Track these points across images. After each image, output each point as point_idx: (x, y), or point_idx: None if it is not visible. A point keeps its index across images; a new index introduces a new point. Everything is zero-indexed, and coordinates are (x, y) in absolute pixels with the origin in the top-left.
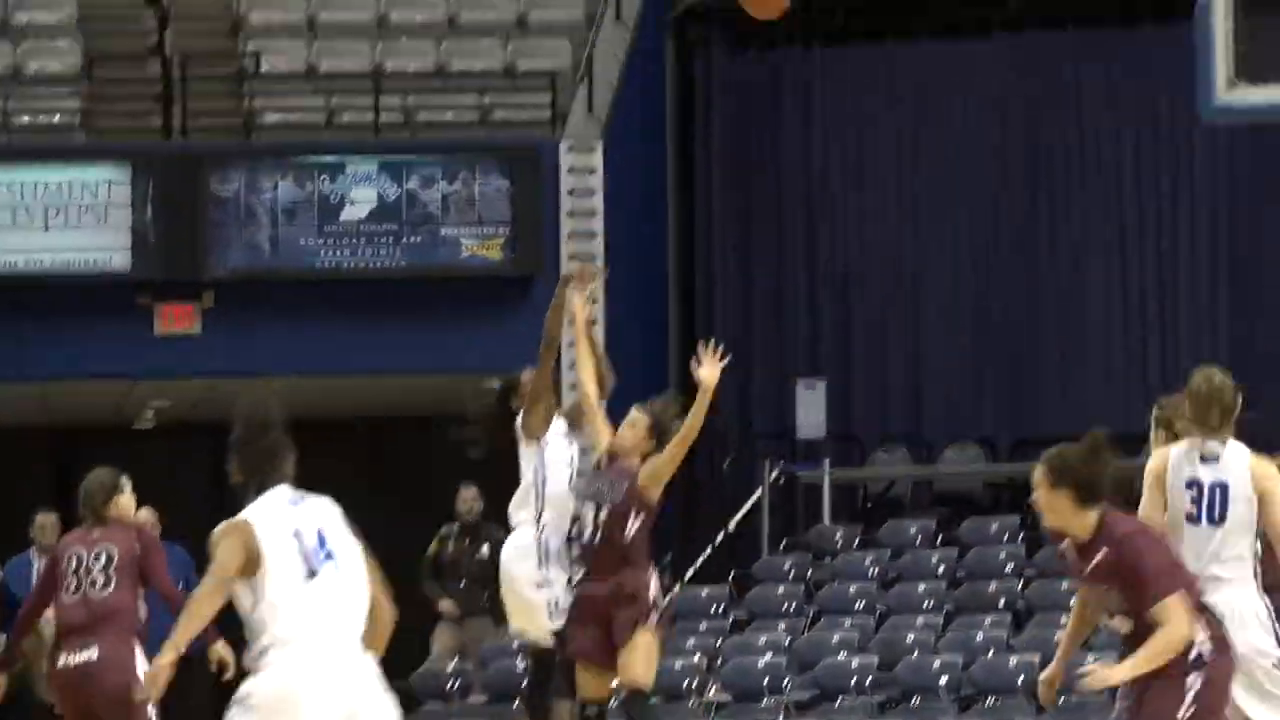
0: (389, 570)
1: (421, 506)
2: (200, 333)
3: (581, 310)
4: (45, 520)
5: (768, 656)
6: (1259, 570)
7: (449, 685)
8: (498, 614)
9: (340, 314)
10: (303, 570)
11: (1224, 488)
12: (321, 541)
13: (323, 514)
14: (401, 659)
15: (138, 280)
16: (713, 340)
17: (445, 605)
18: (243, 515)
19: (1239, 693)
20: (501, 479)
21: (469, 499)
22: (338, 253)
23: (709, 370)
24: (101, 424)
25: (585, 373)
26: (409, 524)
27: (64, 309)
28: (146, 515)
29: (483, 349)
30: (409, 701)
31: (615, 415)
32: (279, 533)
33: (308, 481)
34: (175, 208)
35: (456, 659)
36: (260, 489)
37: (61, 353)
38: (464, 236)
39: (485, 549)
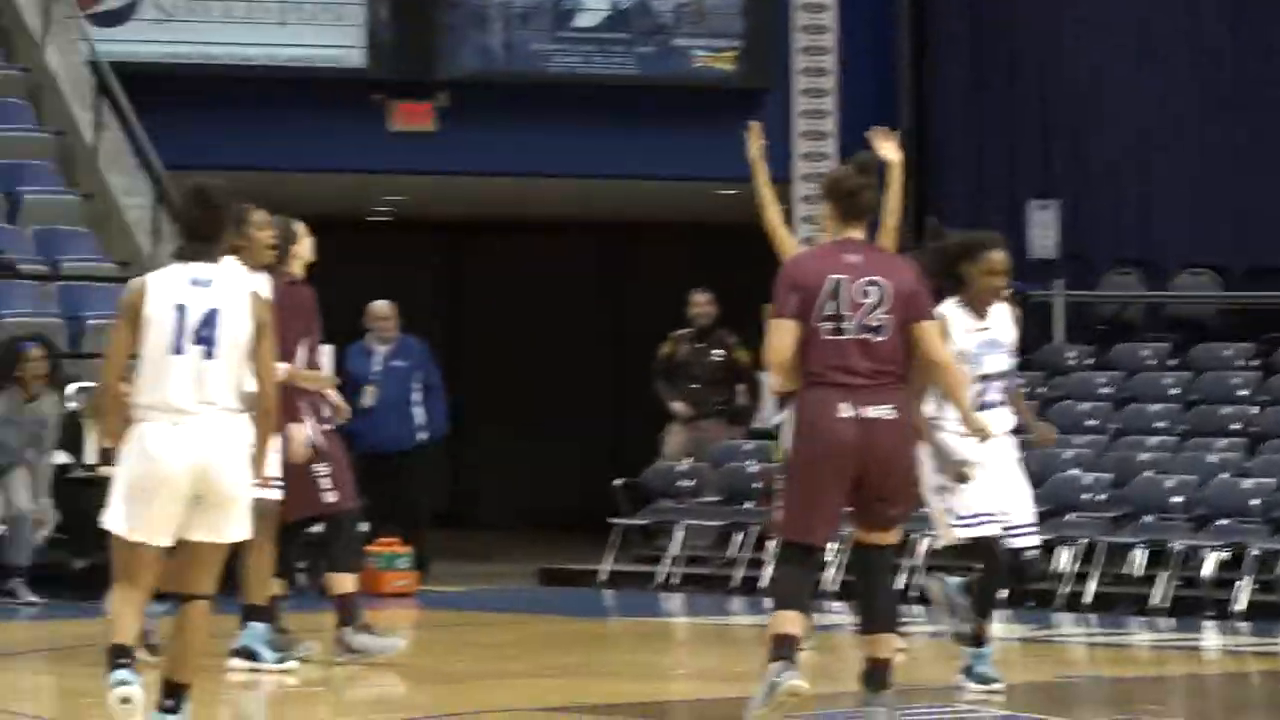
0: (625, 370)
1: (655, 310)
2: (435, 131)
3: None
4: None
5: None
6: None
7: (680, 483)
8: (729, 415)
9: (570, 119)
10: (170, 344)
11: None
12: (204, 324)
13: (224, 302)
14: (634, 457)
15: (373, 78)
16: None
17: (677, 406)
18: (147, 277)
19: None
20: (735, 285)
21: (702, 303)
22: (570, 58)
23: (889, 149)
24: (336, 217)
25: (769, 211)
26: (644, 326)
27: (299, 104)
28: (385, 307)
29: (711, 159)
30: (641, 498)
31: None
32: (164, 304)
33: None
34: (411, 8)
35: (688, 459)
36: (180, 259)
37: (296, 147)
38: (696, 47)
39: (717, 353)
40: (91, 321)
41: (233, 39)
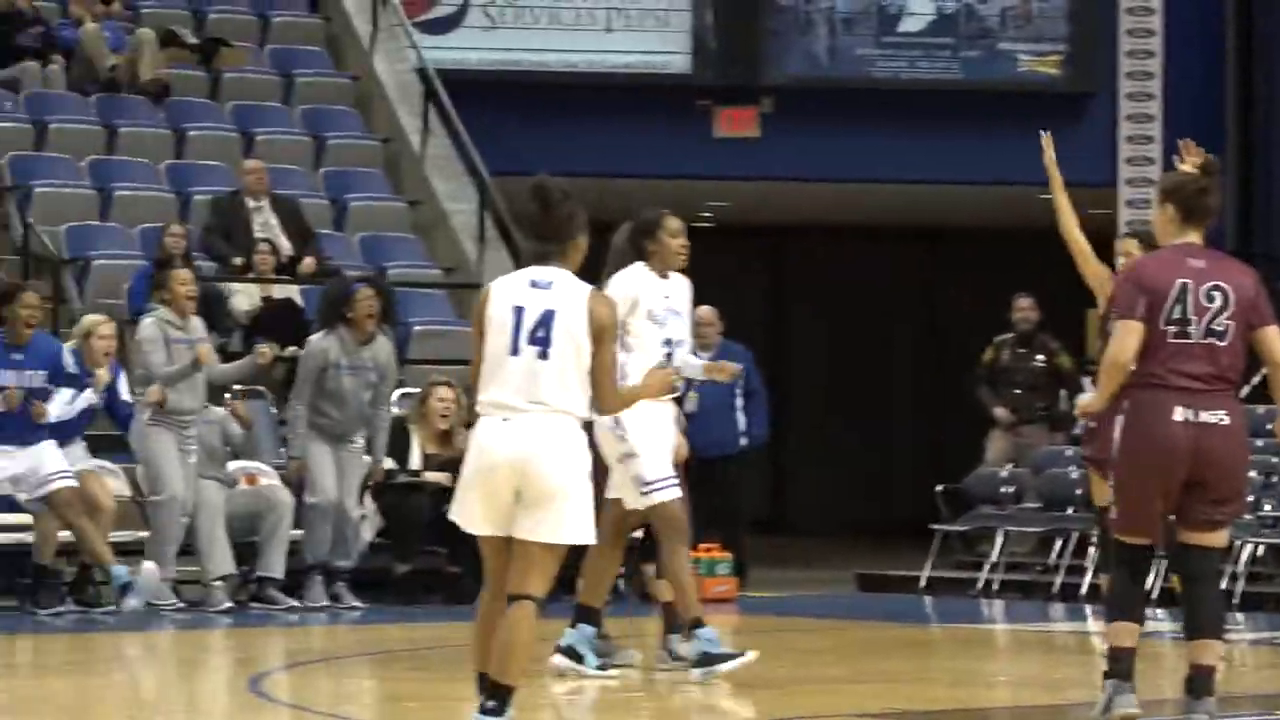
0: (944, 375)
1: (974, 315)
2: (759, 137)
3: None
4: None
5: None
6: None
7: (1002, 489)
8: (1051, 421)
9: (894, 124)
10: (508, 344)
11: None
12: (540, 325)
13: (562, 304)
14: (954, 463)
15: (698, 84)
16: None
17: (999, 412)
18: (494, 281)
19: None
20: (1055, 291)
21: (1025, 308)
22: (895, 63)
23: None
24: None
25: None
26: (963, 332)
27: (624, 110)
28: (708, 313)
29: (1035, 164)
30: (962, 503)
31: None
32: (504, 306)
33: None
34: (736, 13)
35: (1010, 465)
36: (522, 264)
37: (620, 153)
38: (1021, 51)
39: (1039, 358)
40: (418, 328)
41: (558, 46)
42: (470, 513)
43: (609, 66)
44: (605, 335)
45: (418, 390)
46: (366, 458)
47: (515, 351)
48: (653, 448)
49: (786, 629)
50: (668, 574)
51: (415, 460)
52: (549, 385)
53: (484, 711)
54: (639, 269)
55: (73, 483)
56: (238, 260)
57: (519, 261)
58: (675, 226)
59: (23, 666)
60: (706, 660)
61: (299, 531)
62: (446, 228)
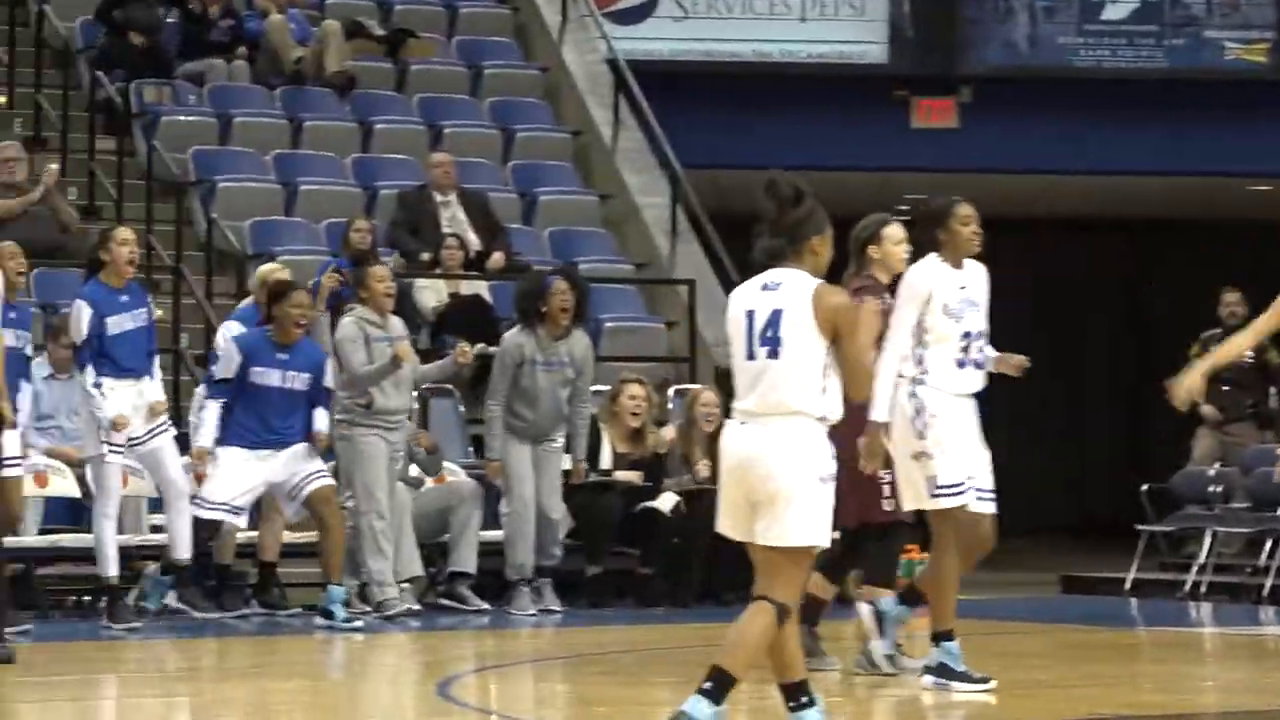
0: (1147, 371)
1: (1178, 309)
2: (958, 127)
3: None
4: None
5: None
6: None
7: (1209, 489)
8: (1260, 419)
9: (1097, 114)
10: (744, 349)
11: None
12: (769, 327)
13: (789, 304)
14: (1159, 461)
15: (894, 74)
16: None
17: (1206, 410)
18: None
19: None
20: (1265, 283)
21: (1232, 303)
22: (1097, 52)
23: None
24: (855, 216)
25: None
26: (1166, 326)
27: (819, 101)
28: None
29: (1243, 154)
30: (1167, 503)
31: None
32: (738, 311)
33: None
34: (933, 1)
35: (1218, 464)
36: (756, 266)
37: (816, 144)
38: (1228, 39)
39: (1248, 354)
40: (609, 324)
41: (752, 35)
42: (719, 517)
43: (803, 56)
44: (843, 324)
45: (608, 388)
46: (567, 456)
47: (750, 356)
48: (953, 448)
49: (991, 632)
50: (929, 577)
51: (605, 459)
52: (782, 386)
53: (701, 691)
54: (932, 261)
55: (330, 480)
56: (425, 256)
57: (748, 264)
58: (966, 213)
59: (207, 670)
60: (943, 671)
61: (494, 534)
62: (638, 222)
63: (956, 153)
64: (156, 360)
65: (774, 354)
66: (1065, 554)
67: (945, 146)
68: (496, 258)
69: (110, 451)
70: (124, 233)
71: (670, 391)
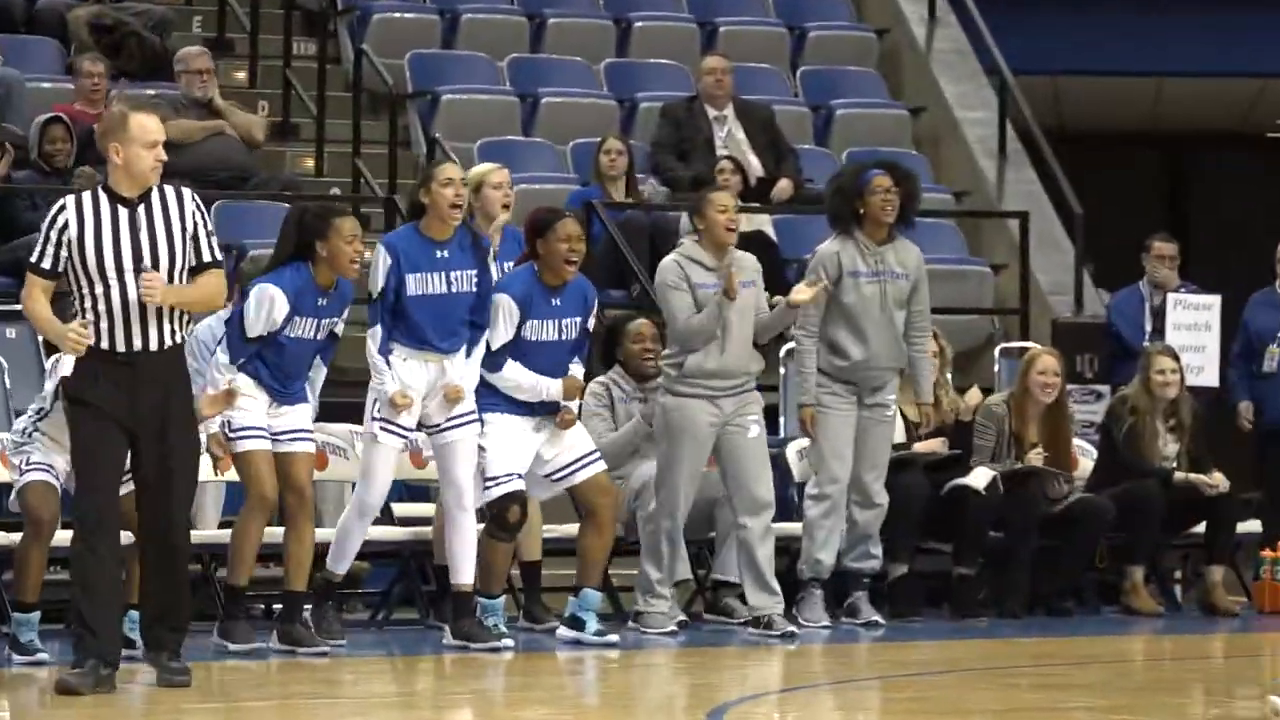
0: None
1: None
2: None
3: None
4: (1164, 249)
5: None
6: None
7: None
8: None
9: None
10: None
11: None
12: None
13: None
14: None
15: None
16: None
17: None
18: None
19: None
20: None
21: None
22: None
23: None
24: (1222, 132)
25: None
26: None
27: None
28: None
29: None
30: None
31: None
32: None
33: None
34: None
35: None
36: None
37: (1177, 46)
38: None
39: None
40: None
41: None
42: None
43: None
44: None
45: None
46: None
47: None
48: None
49: None
50: None
51: (898, 429)
52: None
53: None
54: None
55: (604, 465)
56: (694, 184)
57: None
58: None
59: (423, 695)
60: None
61: (782, 525)
62: (957, 141)
63: None
64: (480, 340)
65: None
66: None
67: None
68: (783, 185)
69: (383, 430)
70: (448, 170)
71: (996, 352)
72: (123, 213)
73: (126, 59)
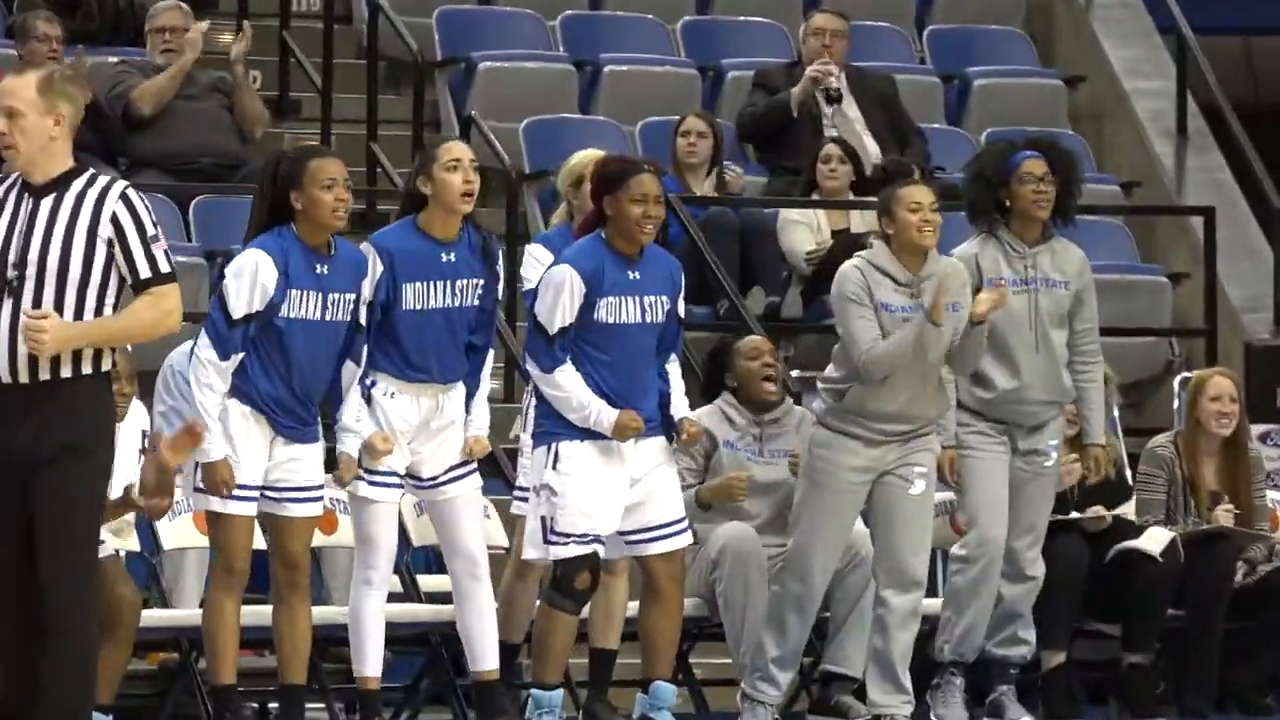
0: None
1: None
2: None
3: None
4: None
5: None
6: None
7: None
8: None
9: None
10: None
11: None
12: None
13: None
14: None
15: None
16: None
17: None
18: None
19: None
20: None
21: None
22: None
23: None
24: None
25: None
26: None
27: None
28: None
29: None
30: None
31: None
32: None
33: None
34: None
35: None
36: None
37: None
38: None
39: None
40: None
41: None
42: None
43: None
44: None
45: None
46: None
47: None
48: None
49: None
50: None
51: None
52: None
53: None
54: None
55: (690, 537)
56: (795, 173)
57: None
58: None
59: None
60: None
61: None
62: (1125, 118)
63: None
64: (486, 364)
65: None
66: None
67: None
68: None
69: (370, 484)
70: (455, 149)
71: (1175, 383)
72: (26, 201)
73: (85, 18)
